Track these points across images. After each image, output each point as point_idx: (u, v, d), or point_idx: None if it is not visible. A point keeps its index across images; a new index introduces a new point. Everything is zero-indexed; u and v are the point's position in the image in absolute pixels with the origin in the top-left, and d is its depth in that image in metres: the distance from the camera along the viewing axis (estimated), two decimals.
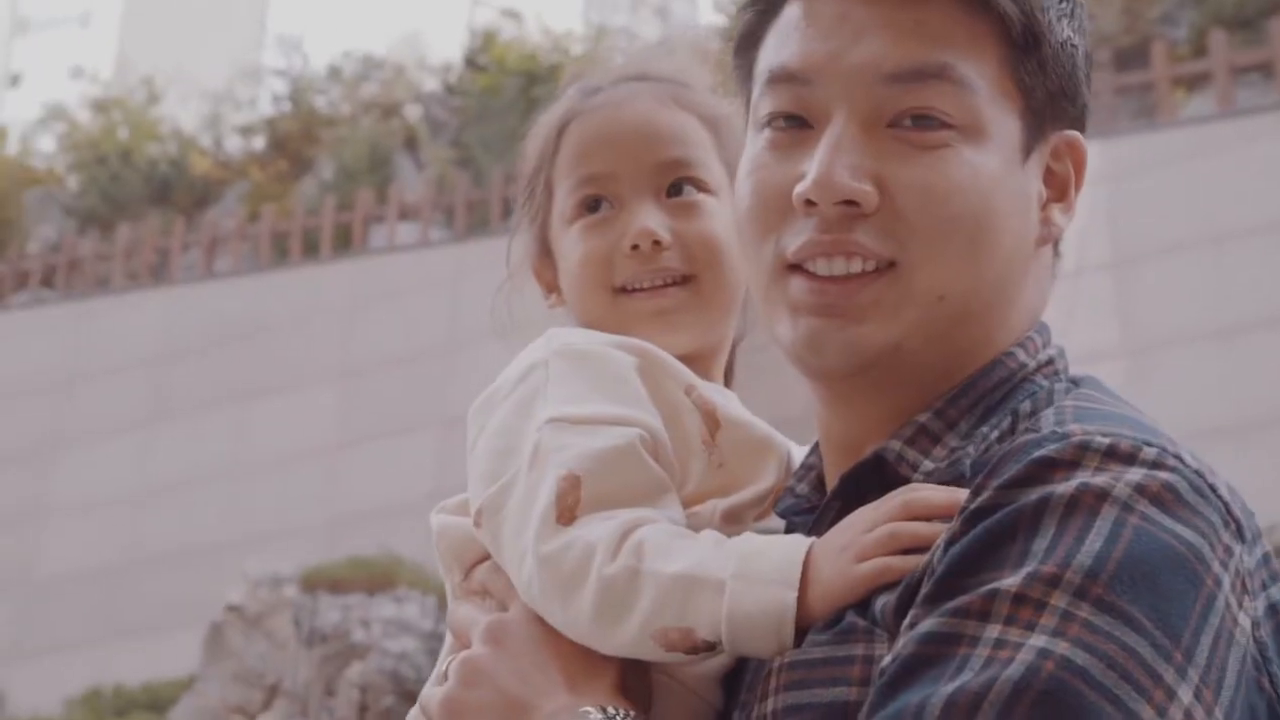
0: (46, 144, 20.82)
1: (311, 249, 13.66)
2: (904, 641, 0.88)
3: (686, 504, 1.12)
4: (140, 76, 20.30)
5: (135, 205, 16.29)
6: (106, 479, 12.75)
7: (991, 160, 1.02)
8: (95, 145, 18.00)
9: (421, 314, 11.77)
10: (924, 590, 0.91)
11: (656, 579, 1.01)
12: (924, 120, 1.01)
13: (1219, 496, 0.92)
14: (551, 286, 1.30)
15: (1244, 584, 0.90)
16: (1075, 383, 1.07)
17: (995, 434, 1.00)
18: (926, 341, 1.03)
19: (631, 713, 1.00)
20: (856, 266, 1.02)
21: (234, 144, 17.59)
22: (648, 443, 1.10)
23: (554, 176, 1.27)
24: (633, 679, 1.05)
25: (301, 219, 13.81)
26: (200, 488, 12.18)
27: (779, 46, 1.06)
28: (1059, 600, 0.85)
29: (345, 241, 13.50)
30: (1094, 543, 0.86)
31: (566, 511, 1.06)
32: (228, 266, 13.91)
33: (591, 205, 1.24)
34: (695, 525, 1.10)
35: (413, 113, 15.70)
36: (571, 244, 1.24)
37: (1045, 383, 1.05)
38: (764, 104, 1.07)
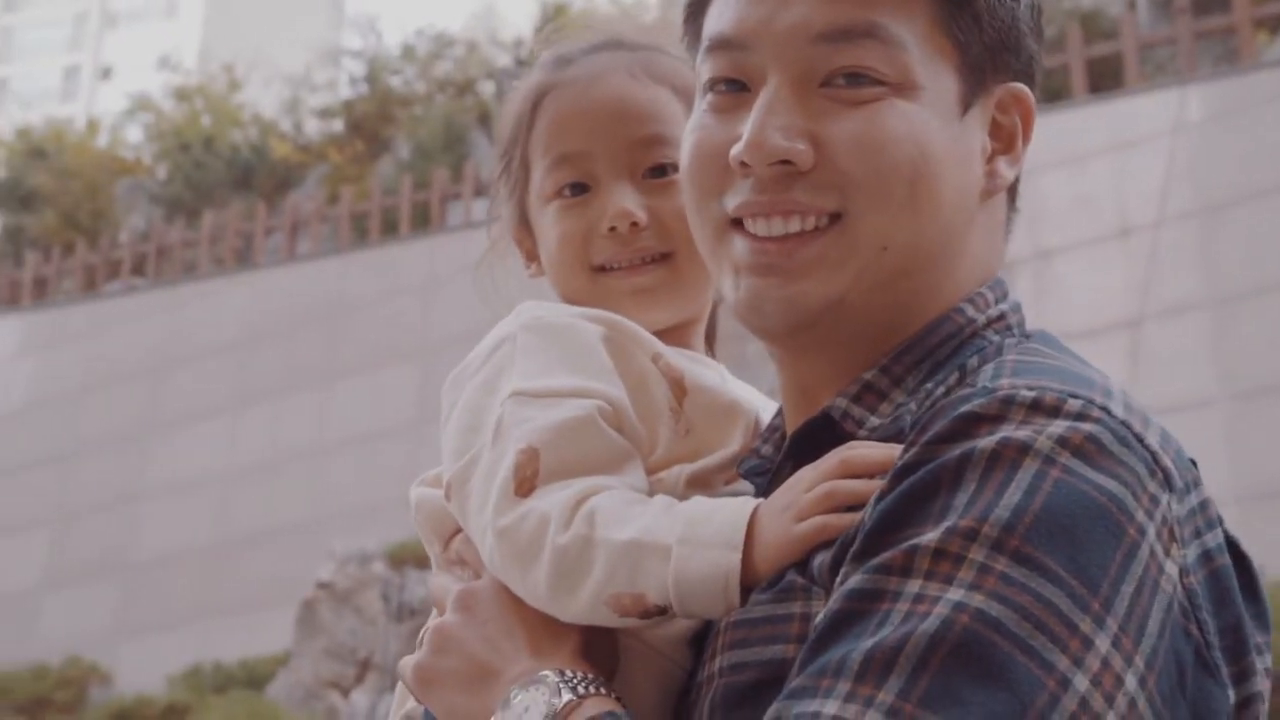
0: (134, 134, 21.28)
1: (390, 228, 13.82)
2: (833, 598, 0.90)
3: (653, 470, 1.14)
4: (221, 64, 20.64)
5: (219, 192, 16.60)
6: (198, 461, 13.02)
7: (925, 113, 1.03)
8: (179, 134, 18.35)
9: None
10: (853, 547, 0.92)
11: (607, 546, 1.03)
12: (856, 79, 1.02)
13: (1146, 446, 0.91)
14: (532, 256, 1.30)
15: (1171, 532, 0.90)
16: (1027, 338, 1.07)
17: (941, 390, 1.00)
18: (870, 294, 1.04)
19: (590, 675, 1.01)
20: (795, 225, 1.03)
21: (313, 127, 17.83)
22: (607, 413, 1.11)
23: (530, 151, 1.27)
24: (598, 644, 1.06)
25: (379, 199, 13.96)
26: (286, 467, 12.42)
27: (719, 14, 1.09)
28: (976, 554, 0.85)
29: (423, 220, 13.64)
30: (1012, 496, 0.87)
31: (525, 483, 1.07)
32: (309, 249, 14.11)
33: (568, 186, 1.24)
34: (660, 491, 1.11)
35: (486, 89, 15.78)
36: (549, 223, 1.25)
37: (996, 338, 1.05)
38: (705, 69, 1.09)
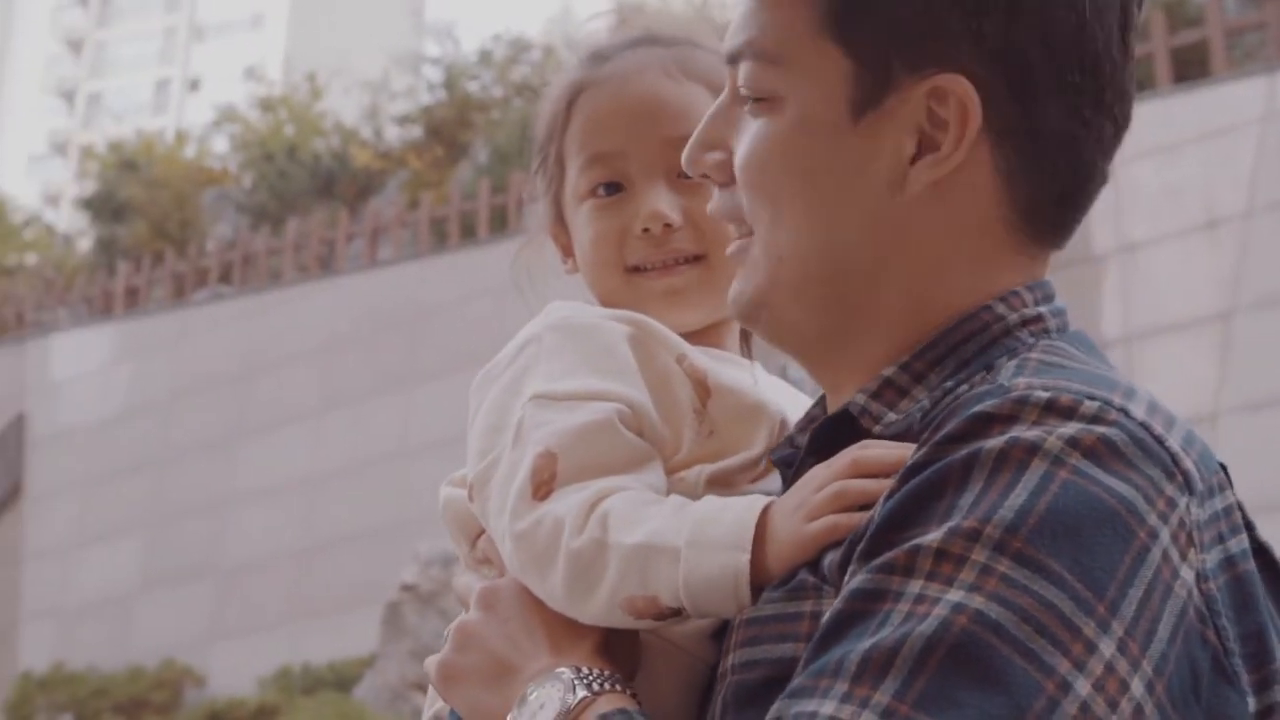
0: (220, 144, 21.66)
1: (469, 232, 13.91)
2: (839, 598, 0.89)
3: (675, 470, 1.14)
4: (304, 73, 20.94)
5: (302, 199, 16.84)
6: (285, 466, 13.21)
7: (782, 126, 1.03)
8: (264, 143, 18.64)
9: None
10: (860, 546, 0.91)
11: (619, 550, 1.03)
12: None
13: (1166, 448, 0.89)
14: (568, 252, 1.31)
15: (1190, 536, 0.87)
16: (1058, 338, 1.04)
17: (965, 387, 0.99)
18: (793, 299, 1.05)
19: (606, 672, 1.02)
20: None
21: (393, 134, 18.02)
22: (627, 416, 1.12)
23: (565, 150, 1.27)
24: (619, 640, 1.07)
25: (458, 204, 14.06)
26: (371, 471, 12.55)
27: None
28: (979, 555, 0.84)
29: (501, 223, 13.71)
30: (1018, 497, 0.85)
31: (542, 487, 1.08)
32: (390, 254, 14.25)
33: (602, 185, 1.24)
34: (680, 491, 1.11)
35: None
36: (584, 223, 1.25)
37: (1030, 339, 1.02)
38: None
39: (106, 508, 14.24)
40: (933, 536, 0.86)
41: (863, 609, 0.87)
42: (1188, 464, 0.90)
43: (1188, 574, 0.86)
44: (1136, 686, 0.82)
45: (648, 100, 1.23)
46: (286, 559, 12.88)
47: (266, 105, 20.55)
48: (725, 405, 1.16)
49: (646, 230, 1.22)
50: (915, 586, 0.85)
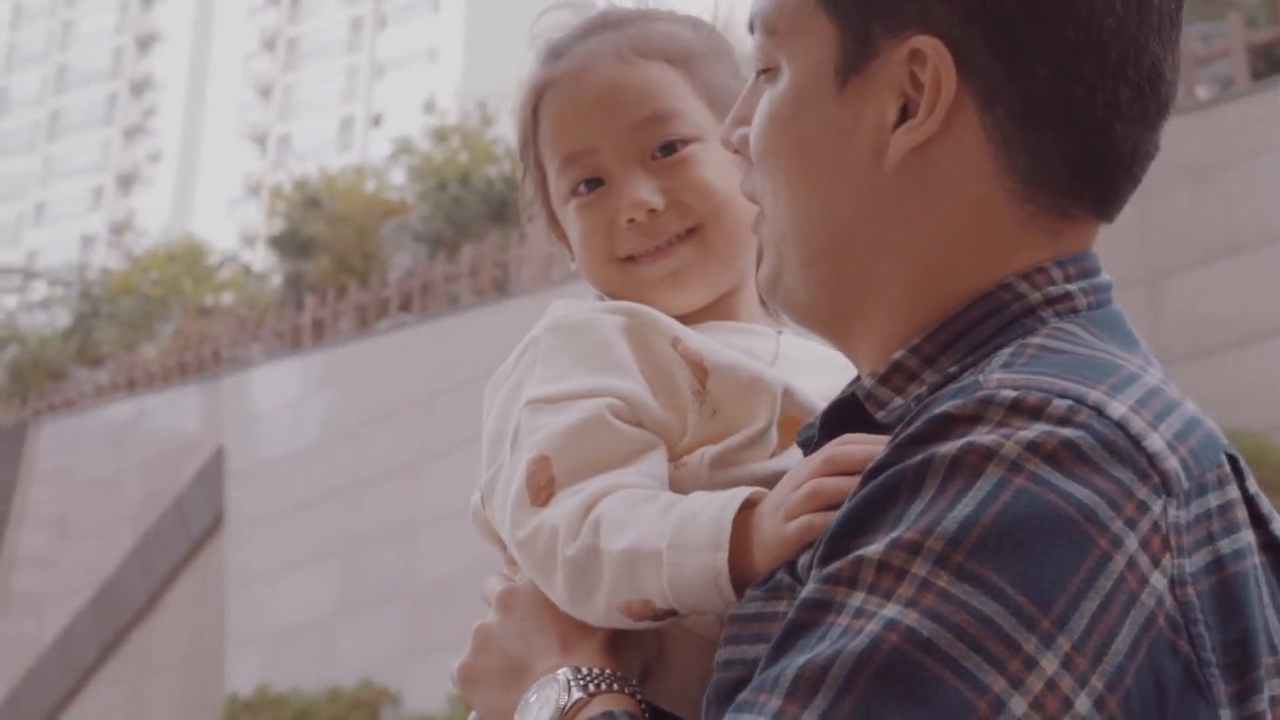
0: (397, 176, 22.30)
1: None
2: (793, 607, 0.87)
3: (682, 455, 1.14)
4: (476, 101, 21.41)
5: (476, 225, 17.18)
6: (467, 489, 13.40)
7: (782, 97, 1.01)
8: (439, 173, 19.11)
9: None
10: (819, 551, 0.88)
11: (609, 556, 1.04)
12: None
13: (1143, 449, 0.84)
14: (572, 250, 1.30)
15: (1165, 540, 0.83)
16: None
17: (970, 374, 0.93)
18: (800, 277, 1.03)
19: (607, 672, 1.02)
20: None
21: None
22: (620, 409, 1.11)
23: (541, 154, 1.27)
24: (633, 635, 1.07)
25: None
26: None
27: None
28: (918, 568, 0.81)
29: None
30: (965, 507, 0.81)
31: (540, 492, 1.08)
32: (561, 274, 14.41)
33: (582, 183, 1.23)
34: (684, 476, 1.12)
35: None
36: (571, 223, 1.25)
37: (1055, 319, 0.96)
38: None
39: (303, 535, 14.73)
40: (875, 548, 0.83)
41: (808, 620, 0.84)
42: (1169, 463, 0.84)
43: (1159, 581, 0.82)
44: (1083, 703, 0.78)
45: (605, 91, 1.21)
46: (473, 579, 13.08)
47: (440, 135, 21.07)
48: (724, 383, 1.14)
49: (632, 221, 1.20)
50: (856, 599, 0.82)
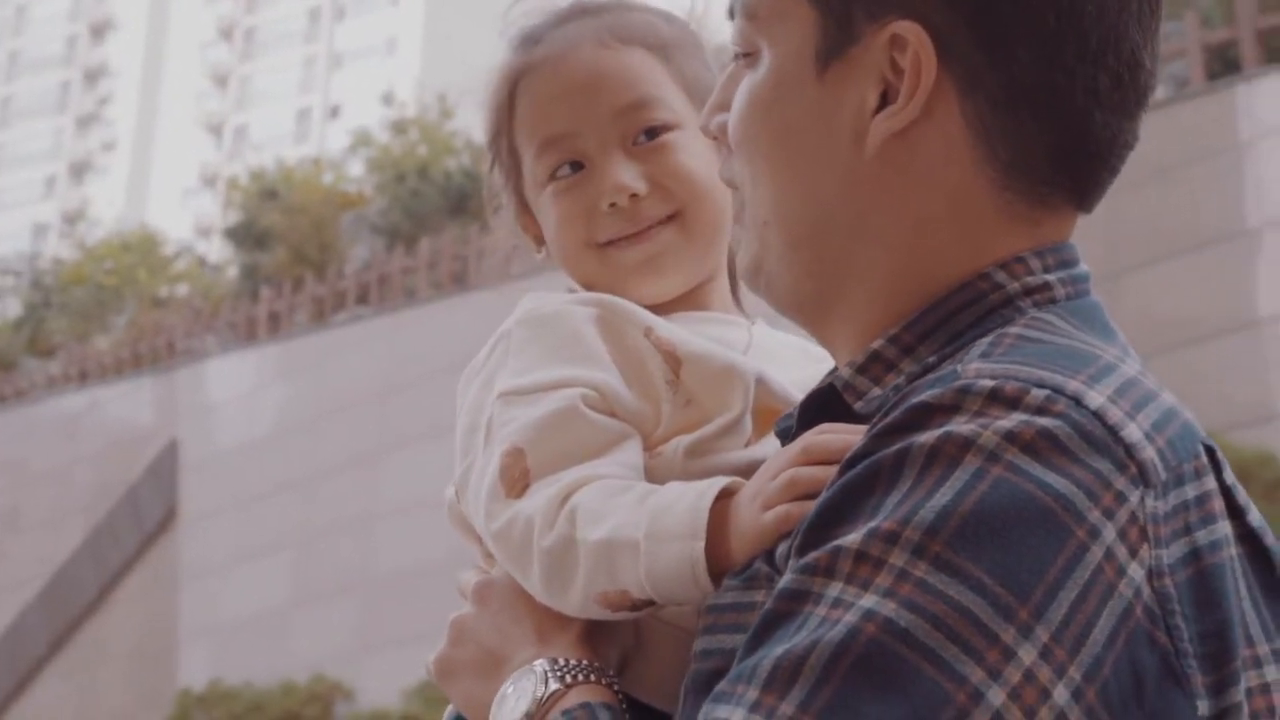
0: (356, 168, 22.16)
1: None
2: (770, 596, 0.87)
3: (657, 445, 1.14)
4: (435, 94, 21.30)
5: (435, 218, 17.10)
6: (426, 481, 13.39)
7: (761, 82, 1.01)
8: (397, 165, 19.00)
9: None
10: (795, 540, 0.88)
11: (585, 547, 1.04)
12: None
13: (1120, 439, 0.84)
14: (540, 240, 1.30)
15: (1142, 531, 0.83)
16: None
17: (948, 363, 0.93)
18: (782, 262, 1.02)
19: (584, 662, 1.02)
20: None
21: None
22: (592, 399, 1.11)
23: (516, 140, 1.25)
24: (609, 626, 1.07)
25: None
26: None
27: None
28: (896, 559, 0.81)
29: None
30: (943, 497, 0.81)
31: (514, 484, 1.09)
32: (521, 268, 14.38)
33: (565, 165, 1.23)
34: (659, 466, 1.12)
35: None
36: (548, 207, 1.24)
37: (1033, 310, 0.96)
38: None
39: (257, 527, 14.63)
40: (853, 538, 0.83)
41: (786, 610, 0.84)
42: (1146, 454, 0.84)
43: (1136, 572, 0.82)
44: (1060, 694, 0.78)
45: (588, 75, 1.21)
46: (429, 572, 13.05)
47: (399, 128, 20.95)
48: (697, 372, 1.14)
49: (613, 205, 1.20)
50: (834, 590, 0.82)
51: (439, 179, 17.83)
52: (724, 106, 1.05)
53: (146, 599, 15.59)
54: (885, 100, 0.96)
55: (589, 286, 1.22)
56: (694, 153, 1.21)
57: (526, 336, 1.15)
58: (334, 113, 51.02)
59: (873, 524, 0.82)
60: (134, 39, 58.77)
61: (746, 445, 1.14)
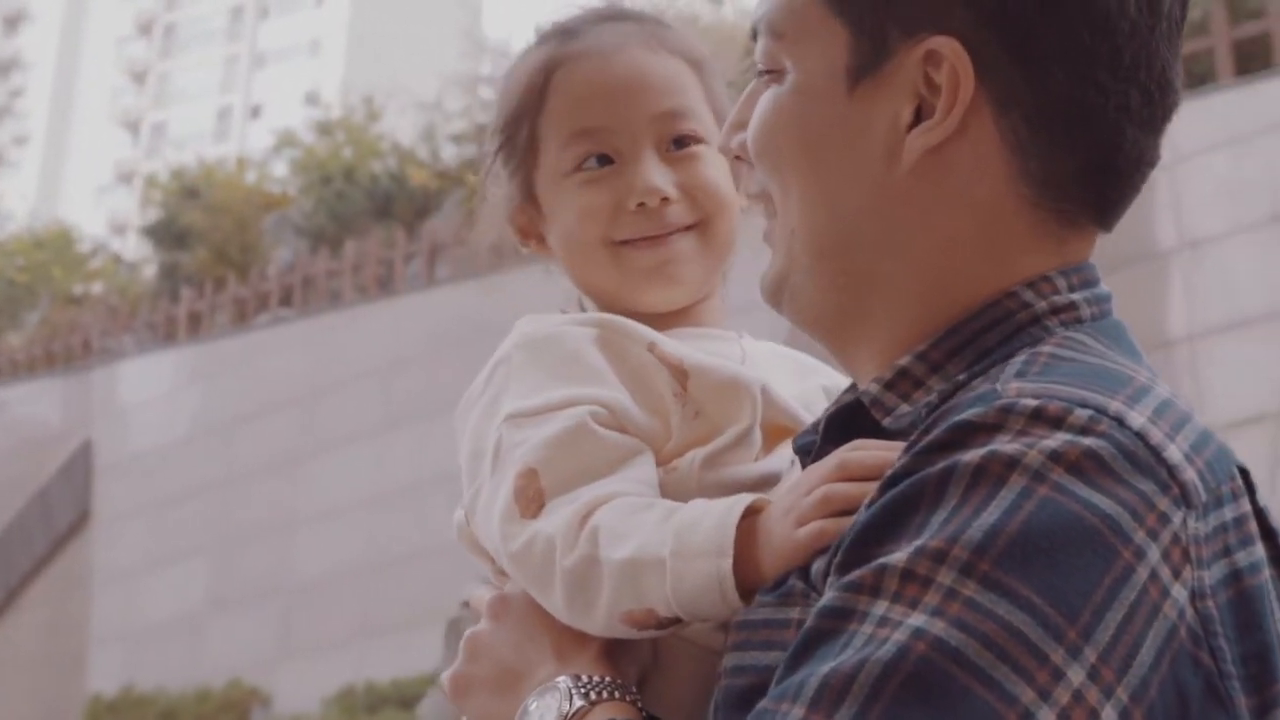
0: (279, 169, 21.89)
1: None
2: (811, 613, 0.86)
3: (669, 459, 1.13)
4: (361, 96, 21.12)
5: (360, 221, 16.94)
6: (348, 486, 13.28)
7: (788, 97, 1.01)
8: (322, 166, 18.80)
9: None
10: (836, 558, 0.88)
11: (610, 566, 1.03)
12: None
13: (1163, 460, 0.84)
14: (528, 234, 1.29)
15: (1185, 552, 0.83)
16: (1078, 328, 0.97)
17: (980, 380, 0.93)
18: (808, 276, 1.02)
19: (607, 679, 1.01)
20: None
21: (449, 153, 18.09)
22: (602, 416, 1.11)
23: (541, 127, 1.24)
24: (629, 643, 1.06)
25: None
26: (432, 490, 12.57)
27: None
28: (944, 577, 0.80)
29: None
30: (990, 515, 0.81)
31: (530, 504, 1.08)
32: (448, 273, 14.30)
33: (593, 158, 1.22)
34: (676, 479, 1.12)
35: None
36: (569, 198, 1.23)
37: (1060, 329, 0.96)
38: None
39: (173, 531, 14.39)
40: (899, 556, 0.82)
41: (830, 628, 0.83)
42: (1188, 475, 0.85)
43: (1179, 593, 0.82)
44: (1108, 715, 0.78)
45: (633, 74, 1.22)
46: (350, 578, 12.93)
47: (324, 129, 20.74)
48: (704, 384, 1.15)
49: (641, 205, 1.20)
50: (880, 608, 0.82)
51: (365, 182, 17.66)
52: (743, 125, 1.06)
53: (57, 603, 15.25)
54: (919, 116, 0.96)
55: (590, 286, 1.23)
56: (719, 169, 1.23)
57: (527, 359, 1.15)
58: (255, 112, 50.39)
59: (919, 542, 0.82)
60: (48, 31, 57.63)
61: (756, 459, 1.14)
